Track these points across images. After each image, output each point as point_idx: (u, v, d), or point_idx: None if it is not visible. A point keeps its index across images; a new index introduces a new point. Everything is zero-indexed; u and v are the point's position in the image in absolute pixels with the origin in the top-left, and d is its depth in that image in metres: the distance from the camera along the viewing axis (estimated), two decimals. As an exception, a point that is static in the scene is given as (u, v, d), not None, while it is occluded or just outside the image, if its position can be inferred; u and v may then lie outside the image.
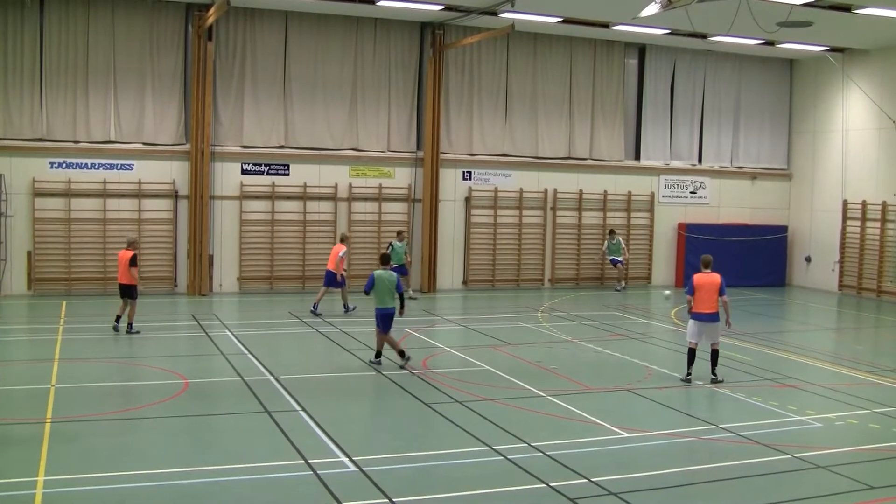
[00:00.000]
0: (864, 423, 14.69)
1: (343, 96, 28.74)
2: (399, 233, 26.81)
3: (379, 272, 17.81)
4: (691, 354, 17.22)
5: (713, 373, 17.17)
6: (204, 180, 26.83)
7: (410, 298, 25.00)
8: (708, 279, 17.07)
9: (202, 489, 10.90)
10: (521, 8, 25.33)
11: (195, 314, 23.81)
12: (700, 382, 17.07)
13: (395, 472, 11.61)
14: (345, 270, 24.29)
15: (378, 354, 17.98)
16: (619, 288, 31.04)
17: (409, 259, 26.59)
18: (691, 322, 17.20)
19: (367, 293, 17.92)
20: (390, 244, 26.09)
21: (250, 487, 11.00)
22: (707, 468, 12.12)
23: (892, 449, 13.30)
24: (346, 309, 24.31)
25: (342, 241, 24.73)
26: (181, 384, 16.10)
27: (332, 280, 24.10)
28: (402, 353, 17.84)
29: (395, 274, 18.07)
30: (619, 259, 30.89)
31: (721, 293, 16.98)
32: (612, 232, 31.06)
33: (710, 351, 17.24)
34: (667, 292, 29.60)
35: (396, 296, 17.77)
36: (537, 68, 30.84)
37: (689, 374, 17.19)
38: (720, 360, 17.33)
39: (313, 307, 23.88)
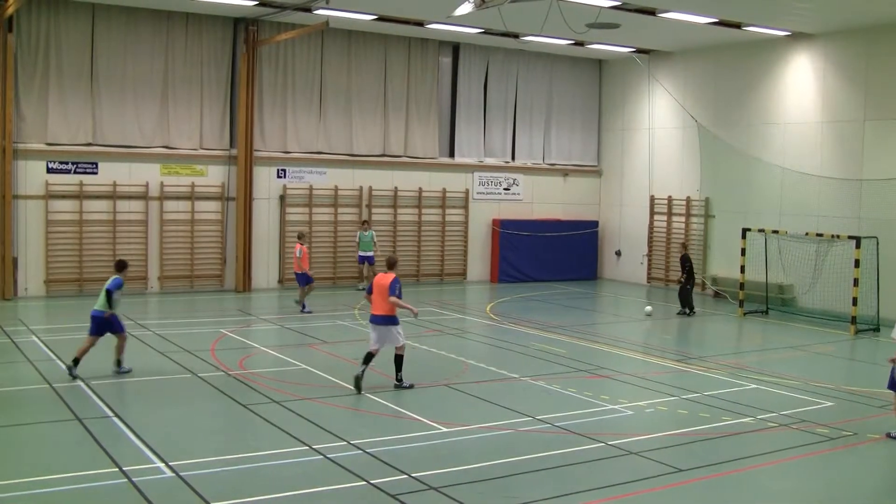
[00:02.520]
0: (673, 410, 15.25)
1: (153, 92, 27.84)
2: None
3: None
4: (367, 357, 15.91)
5: (397, 378, 16.17)
6: (6, 179, 25.51)
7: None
8: (381, 280, 16.00)
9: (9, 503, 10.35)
10: (336, 5, 25.17)
11: (-4, 319, 22.69)
12: (516, 375, 17.37)
13: (213, 476, 11.31)
14: (310, 270, 25.45)
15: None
16: (360, 287, 29.52)
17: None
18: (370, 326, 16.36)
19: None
20: None
21: (61, 499, 10.51)
22: (526, 459, 12.26)
23: (698, 433, 13.82)
24: (303, 309, 24.80)
25: (300, 239, 25.32)
26: (-19, 393, 15.29)
27: (305, 279, 24.92)
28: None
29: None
30: (371, 255, 29.88)
31: (391, 293, 15.70)
32: (365, 223, 30.41)
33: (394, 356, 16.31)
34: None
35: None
36: (352, 66, 30.71)
37: (359, 373, 15.74)
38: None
39: (302, 306, 24.90)
